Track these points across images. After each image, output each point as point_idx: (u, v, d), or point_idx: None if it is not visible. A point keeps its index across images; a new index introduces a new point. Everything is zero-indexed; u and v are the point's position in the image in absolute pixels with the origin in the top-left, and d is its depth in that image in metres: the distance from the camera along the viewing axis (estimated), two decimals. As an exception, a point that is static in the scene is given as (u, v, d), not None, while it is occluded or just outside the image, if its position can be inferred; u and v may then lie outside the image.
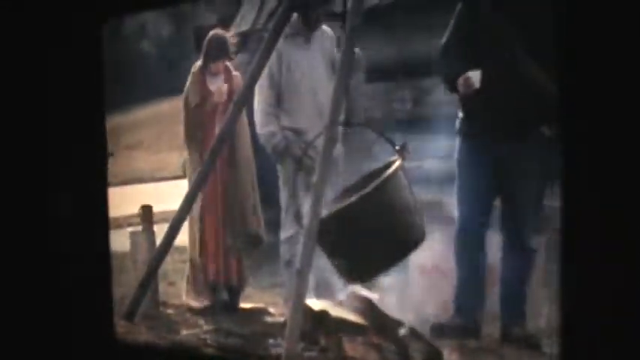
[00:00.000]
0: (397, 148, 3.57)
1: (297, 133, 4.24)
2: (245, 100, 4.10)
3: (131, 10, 3.96)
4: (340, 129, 3.81)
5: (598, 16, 2.27)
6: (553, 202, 2.63)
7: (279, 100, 4.28)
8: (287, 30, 4.09)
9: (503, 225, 3.67)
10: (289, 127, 4.26)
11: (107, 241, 3.85)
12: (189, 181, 4.39)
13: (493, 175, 3.63)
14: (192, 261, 4.51)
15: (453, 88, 3.64)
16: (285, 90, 4.26)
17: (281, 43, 4.02)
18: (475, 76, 3.52)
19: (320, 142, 3.53)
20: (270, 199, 4.44)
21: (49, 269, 3.73)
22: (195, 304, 4.49)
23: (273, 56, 4.04)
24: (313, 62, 4.23)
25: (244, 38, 5.00)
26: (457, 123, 3.75)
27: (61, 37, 3.60)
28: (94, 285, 3.76)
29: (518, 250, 3.61)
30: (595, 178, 2.28)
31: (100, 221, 3.78)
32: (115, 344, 3.76)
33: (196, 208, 4.34)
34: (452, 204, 3.75)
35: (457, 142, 3.75)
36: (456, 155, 3.75)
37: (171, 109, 4.76)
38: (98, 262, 3.78)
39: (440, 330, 3.65)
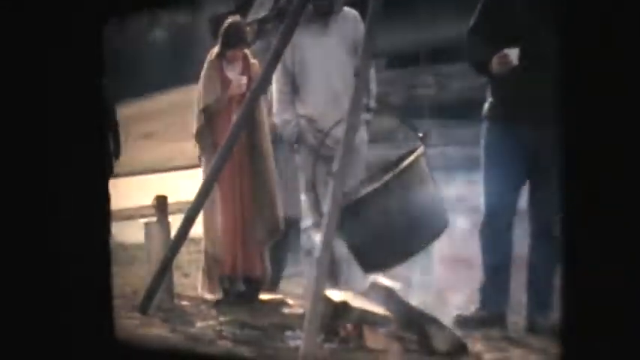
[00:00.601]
0: (420, 135, 3.53)
1: (312, 120, 4.19)
2: (262, 88, 4.06)
3: (131, 11, 3.92)
4: (363, 116, 3.77)
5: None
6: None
7: (294, 89, 4.24)
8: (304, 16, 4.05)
9: (531, 213, 3.61)
10: (304, 114, 4.22)
11: (108, 237, 3.81)
12: (204, 171, 4.35)
13: (522, 161, 3.57)
14: (207, 252, 4.44)
15: (483, 69, 3.58)
16: (299, 78, 4.23)
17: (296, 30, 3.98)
18: (513, 53, 3.46)
19: (338, 130, 3.49)
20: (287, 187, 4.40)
21: (48, 265, 3.69)
22: (210, 296, 4.42)
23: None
24: (330, 49, 4.18)
25: (261, 25, 4.95)
26: (485, 107, 3.69)
27: (62, 35, 3.56)
28: (93, 283, 3.72)
29: (546, 238, 3.54)
30: (597, 166, 2.23)
31: (101, 216, 3.73)
32: (115, 343, 3.71)
33: (213, 198, 4.27)
34: (476, 191, 3.70)
35: (484, 126, 3.68)
36: (482, 141, 3.68)
37: (184, 98, 4.72)
38: (98, 258, 3.74)
39: (465, 322, 3.59)
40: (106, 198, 3.64)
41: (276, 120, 4.28)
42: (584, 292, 2.21)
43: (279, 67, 4.14)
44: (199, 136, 4.40)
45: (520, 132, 3.54)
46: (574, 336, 2.23)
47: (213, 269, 4.40)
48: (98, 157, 3.67)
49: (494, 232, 3.62)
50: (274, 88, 4.27)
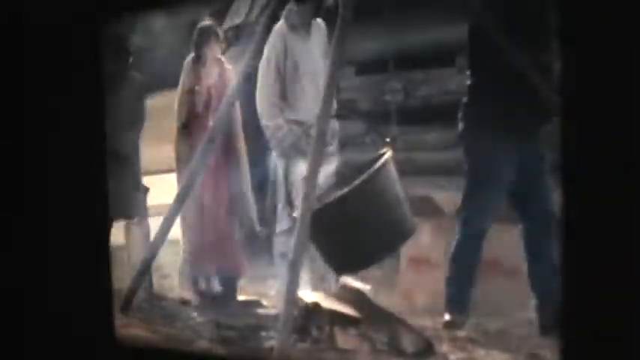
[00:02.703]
0: (387, 140, 3.60)
1: (300, 125, 4.22)
2: (238, 93, 4.12)
3: (131, 11, 3.98)
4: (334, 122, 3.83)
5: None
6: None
7: (283, 93, 4.27)
8: (293, 21, 4.11)
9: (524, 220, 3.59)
10: (293, 119, 4.26)
11: (107, 240, 3.87)
12: (179, 175, 4.44)
13: (509, 172, 3.53)
14: (184, 253, 4.53)
15: None
16: (289, 82, 4.25)
17: (287, 35, 4.03)
18: None
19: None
20: (260, 190, 4.47)
21: (47, 266, 3.74)
22: (188, 296, 4.50)
23: (280, 48, 4.05)
24: (314, 54, 4.23)
25: (237, 32, 5.01)
26: (466, 112, 3.63)
27: (61, 34, 3.61)
28: (93, 283, 3.77)
29: (543, 251, 3.50)
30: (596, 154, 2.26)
31: (100, 219, 3.79)
32: (115, 345, 3.77)
33: (189, 201, 4.35)
34: (441, 195, 3.74)
35: (463, 126, 3.63)
36: (465, 145, 3.62)
37: (164, 103, 4.78)
38: (97, 260, 3.79)
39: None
40: (105, 201, 3.70)
41: (267, 123, 4.28)
42: (584, 293, 2.26)
43: (272, 71, 4.18)
44: (178, 142, 4.49)
45: (509, 141, 3.51)
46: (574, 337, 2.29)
47: (190, 270, 4.49)
48: (98, 160, 3.72)
49: (471, 244, 3.62)
50: (265, 92, 4.29)
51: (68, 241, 3.72)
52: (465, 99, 3.66)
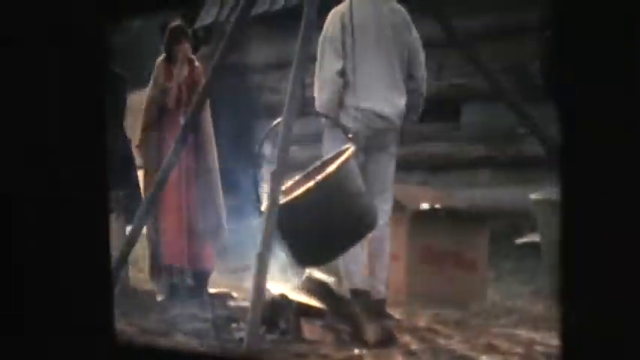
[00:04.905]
0: (350, 135, 3.66)
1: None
2: (209, 90, 4.18)
3: (132, 13, 4.02)
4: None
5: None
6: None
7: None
8: None
9: None
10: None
11: (107, 238, 3.91)
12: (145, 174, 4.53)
13: None
14: (150, 241, 4.64)
15: None
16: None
17: None
18: None
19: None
20: (233, 186, 4.52)
21: (47, 265, 3.79)
22: (156, 288, 4.59)
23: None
24: None
25: (208, 31, 5.09)
26: None
27: (62, 33, 3.65)
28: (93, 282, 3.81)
29: None
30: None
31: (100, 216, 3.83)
32: (114, 346, 3.82)
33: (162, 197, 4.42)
34: (400, 189, 3.80)
35: None
36: None
37: (141, 100, 4.86)
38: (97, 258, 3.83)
39: None
40: (105, 200, 3.75)
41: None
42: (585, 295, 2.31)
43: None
44: (146, 136, 4.57)
45: None
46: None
47: (155, 263, 4.60)
48: (98, 157, 3.77)
49: None
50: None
51: (67, 240, 3.77)
52: None
